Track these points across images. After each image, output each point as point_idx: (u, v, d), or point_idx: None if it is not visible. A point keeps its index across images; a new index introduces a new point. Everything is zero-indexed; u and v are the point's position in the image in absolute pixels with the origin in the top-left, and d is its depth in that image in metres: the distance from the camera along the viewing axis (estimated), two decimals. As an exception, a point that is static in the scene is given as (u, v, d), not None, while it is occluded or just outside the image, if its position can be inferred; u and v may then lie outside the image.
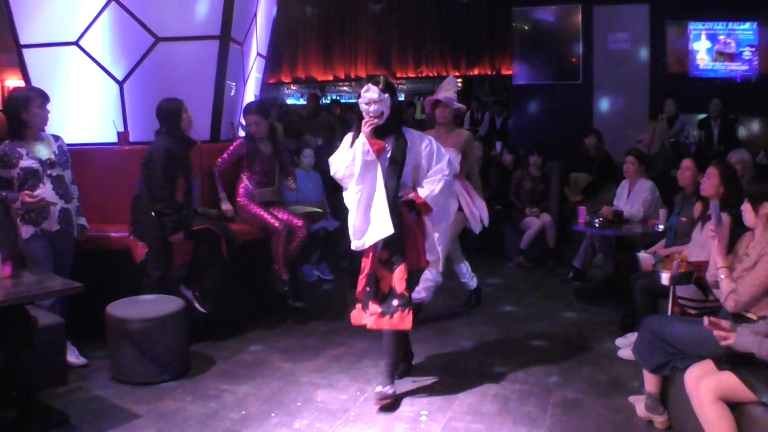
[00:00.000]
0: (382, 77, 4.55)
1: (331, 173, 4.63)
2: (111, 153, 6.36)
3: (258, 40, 8.00)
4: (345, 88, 18.17)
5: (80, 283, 4.40)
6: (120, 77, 6.54)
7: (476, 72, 16.18)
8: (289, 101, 17.88)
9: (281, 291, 6.44)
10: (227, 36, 6.64)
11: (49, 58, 6.59)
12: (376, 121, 4.45)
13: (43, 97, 5.18)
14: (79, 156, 5.76)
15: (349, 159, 4.50)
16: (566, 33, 12.45)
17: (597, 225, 6.76)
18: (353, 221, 4.53)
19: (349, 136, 4.64)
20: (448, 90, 6.34)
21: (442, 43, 16.32)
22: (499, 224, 8.95)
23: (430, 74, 16.76)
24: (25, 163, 5.06)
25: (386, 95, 4.48)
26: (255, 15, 7.68)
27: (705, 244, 4.98)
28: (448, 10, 15.90)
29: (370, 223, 4.47)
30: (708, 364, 3.67)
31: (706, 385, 3.54)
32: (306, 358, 5.50)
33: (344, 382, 5.01)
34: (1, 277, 4.42)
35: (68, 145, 5.51)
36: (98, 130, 6.55)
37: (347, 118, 13.46)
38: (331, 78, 17.76)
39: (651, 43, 11.87)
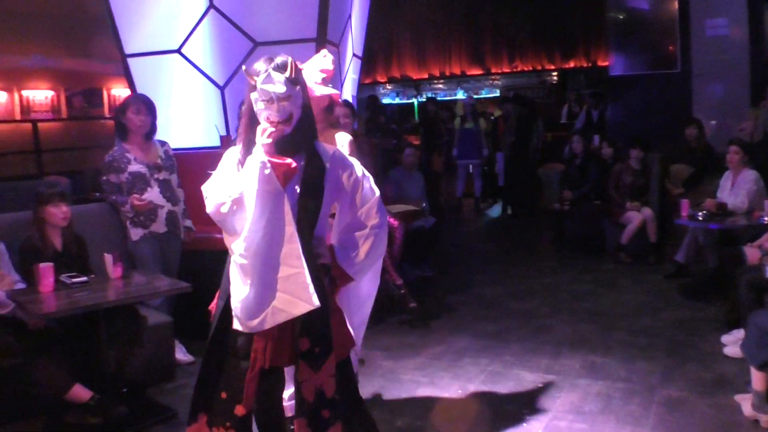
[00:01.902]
0: (289, 60, 2.93)
1: (207, 210, 3.03)
2: (214, 157, 6.49)
3: (353, 41, 8.09)
4: (440, 85, 18.21)
5: (187, 283, 4.56)
6: (221, 82, 6.72)
7: (572, 64, 16.05)
8: (385, 101, 18.03)
9: (399, 295, 6.27)
10: (323, 38, 6.73)
11: (152, 66, 6.82)
12: (281, 128, 2.87)
13: (141, 103, 5.38)
14: (184, 160, 5.93)
15: (236, 189, 2.91)
16: (662, 20, 12.18)
17: (700, 218, 6.62)
18: (239, 289, 2.95)
19: (232, 152, 3.04)
20: (309, 69, 3.69)
21: (536, 37, 16.22)
22: (599, 219, 8.86)
23: (525, 69, 16.69)
24: (133, 167, 5.28)
25: (297, 89, 2.92)
26: (350, 16, 7.77)
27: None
28: (541, 2, 15.77)
29: (271, 289, 2.89)
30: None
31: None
32: (407, 356, 5.54)
33: (445, 380, 5.03)
34: (113, 278, 4.63)
35: (173, 149, 5.71)
36: (202, 134, 6.75)
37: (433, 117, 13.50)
38: (425, 76, 17.83)
39: (750, 28, 11.51)
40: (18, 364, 4.24)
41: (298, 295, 2.85)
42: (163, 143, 5.60)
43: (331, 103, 4.09)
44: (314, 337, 2.90)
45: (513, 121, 12.14)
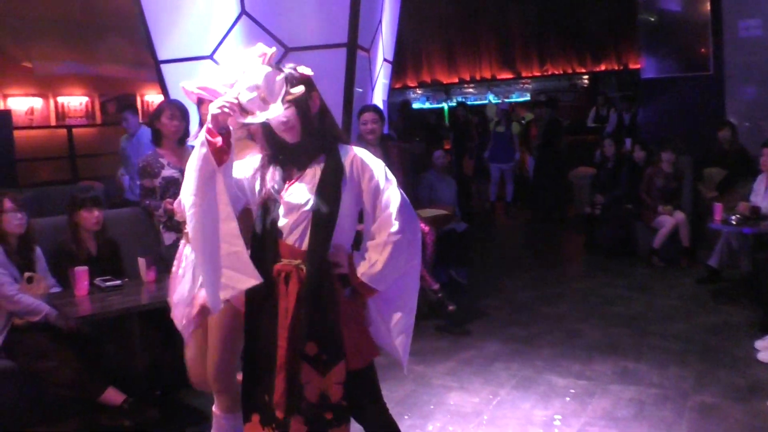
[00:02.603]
0: (287, 76, 2.83)
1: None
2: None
3: (384, 46, 8.11)
4: (470, 89, 18.20)
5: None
6: (254, 88, 6.76)
7: (603, 68, 15.97)
8: (415, 105, 18.04)
9: (436, 299, 6.25)
10: (354, 43, 6.75)
11: (185, 72, 6.86)
12: (236, 110, 2.75)
13: (175, 109, 5.42)
14: (216, 166, 6.00)
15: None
16: (694, 22, 12.06)
17: (733, 222, 6.57)
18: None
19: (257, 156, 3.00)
20: (222, 75, 3.12)
21: (566, 40, 16.17)
22: (631, 223, 8.80)
23: (556, 72, 16.63)
24: (167, 172, 5.32)
25: (280, 79, 2.81)
26: (380, 21, 7.79)
27: None
28: (571, 5, 15.72)
29: (215, 266, 2.83)
30: None
31: None
32: (438, 361, 5.55)
33: (476, 385, 5.03)
34: (146, 282, 4.68)
35: (206, 154, 5.76)
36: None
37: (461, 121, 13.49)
38: (456, 80, 17.82)
39: (785, 29, 11.38)
40: (52, 366, 4.30)
41: (242, 270, 2.80)
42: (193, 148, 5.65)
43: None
44: (322, 343, 2.83)
45: (543, 125, 12.11)
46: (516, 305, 7.03)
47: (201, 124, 3.48)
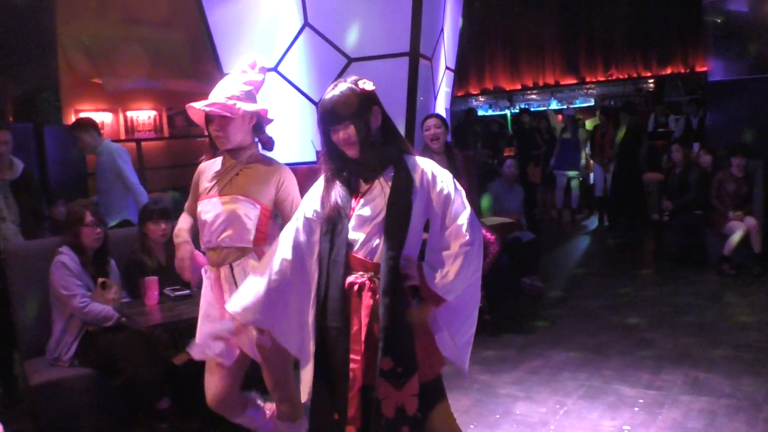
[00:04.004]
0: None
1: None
2: (311, 172, 6.62)
3: (446, 54, 8.13)
4: (533, 96, 18.10)
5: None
6: (317, 99, 6.83)
7: (669, 71, 15.74)
8: (479, 113, 18.02)
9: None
10: (416, 52, 6.78)
11: (250, 84, 7.00)
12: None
13: None
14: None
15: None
16: (762, 23, 11.85)
17: (806, 228, 6.44)
18: None
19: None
20: (229, 87, 3.48)
21: (631, 44, 15.99)
22: (701, 230, 8.65)
23: (621, 77, 16.45)
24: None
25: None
26: (442, 29, 7.81)
27: None
28: (636, 8, 15.56)
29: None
30: None
31: None
32: (504, 370, 5.52)
33: (543, 395, 4.99)
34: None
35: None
36: (298, 150, 6.87)
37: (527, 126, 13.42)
38: (519, 87, 17.74)
39: None
40: (120, 358, 4.44)
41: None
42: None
43: (259, 121, 3.66)
44: (397, 356, 2.79)
45: (623, 130, 11.89)
46: (584, 314, 6.95)
47: (210, 140, 3.60)
